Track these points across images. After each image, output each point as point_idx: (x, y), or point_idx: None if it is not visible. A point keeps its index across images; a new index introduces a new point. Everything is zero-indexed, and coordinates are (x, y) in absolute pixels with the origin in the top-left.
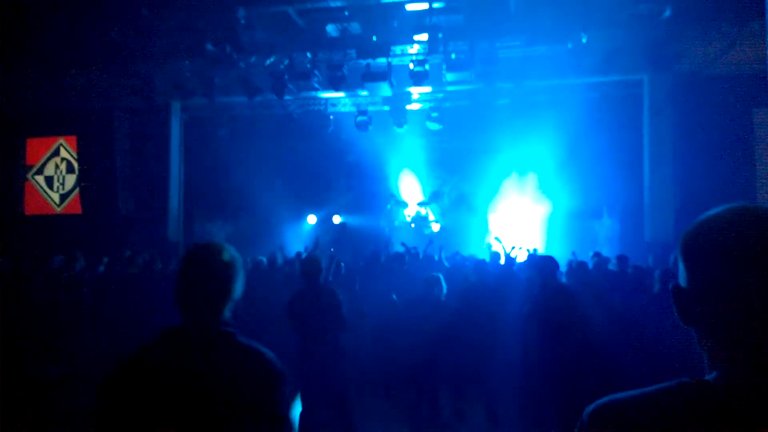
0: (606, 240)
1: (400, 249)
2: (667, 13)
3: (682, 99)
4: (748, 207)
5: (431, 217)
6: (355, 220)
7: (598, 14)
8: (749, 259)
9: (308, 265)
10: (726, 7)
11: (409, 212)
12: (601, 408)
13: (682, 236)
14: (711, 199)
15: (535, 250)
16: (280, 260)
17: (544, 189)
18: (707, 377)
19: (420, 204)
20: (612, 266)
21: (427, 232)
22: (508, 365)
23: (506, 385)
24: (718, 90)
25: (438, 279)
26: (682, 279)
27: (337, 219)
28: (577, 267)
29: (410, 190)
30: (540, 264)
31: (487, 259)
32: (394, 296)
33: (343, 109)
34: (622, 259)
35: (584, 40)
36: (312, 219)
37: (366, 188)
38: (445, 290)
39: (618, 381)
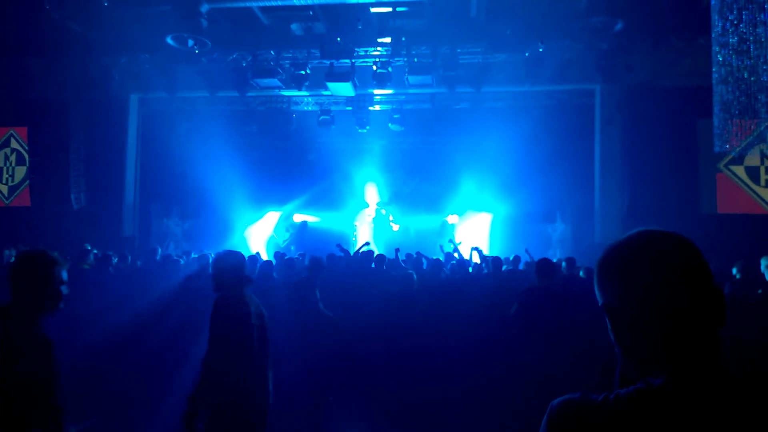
0: (558, 242)
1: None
2: (619, 26)
3: (632, 109)
4: (647, 232)
5: (391, 218)
6: (316, 219)
7: (554, 25)
8: (645, 280)
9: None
10: (675, 22)
11: (370, 212)
12: (566, 405)
13: (597, 263)
14: (657, 204)
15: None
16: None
17: (500, 192)
18: (657, 382)
19: (380, 204)
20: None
21: (387, 232)
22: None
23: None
24: (665, 101)
25: (412, 276)
26: (600, 299)
27: (297, 218)
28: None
29: (371, 190)
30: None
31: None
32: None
33: (305, 108)
34: (570, 261)
35: (541, 50)
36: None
37: (327, 187)
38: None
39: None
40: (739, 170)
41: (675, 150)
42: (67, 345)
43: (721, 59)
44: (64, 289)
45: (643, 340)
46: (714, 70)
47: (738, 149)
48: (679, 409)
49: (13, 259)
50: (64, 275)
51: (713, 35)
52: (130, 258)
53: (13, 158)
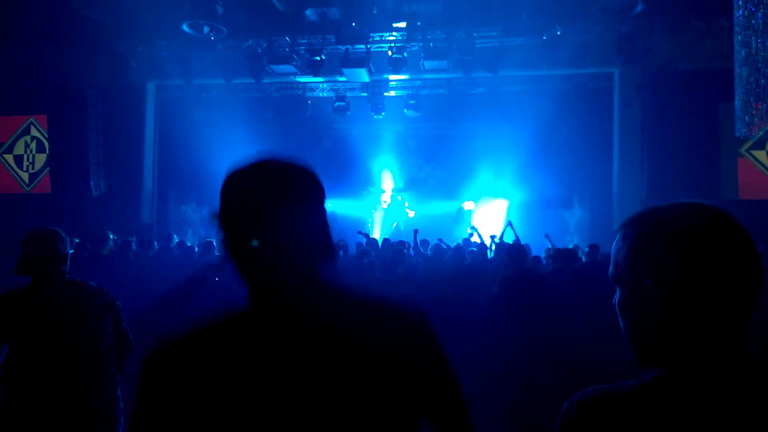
0: (576, 228)
1: (360, 238)
2: (639, 8)
3: (651, 92)
4: (692, 204)
5: (406, 204)
6: (331, 206)
7: (572, 7)
8: (690, 257)
9: None
10: (695, 3)
11: (386, 198)
12: (592, 399)
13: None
14: (677, 188)
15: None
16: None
17: (516, 178)
18: (676, 368)
19: (396, 191)
20: (582, 254)
21: (402, 218)
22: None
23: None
24: (685, 84)
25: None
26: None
27: None
28: (565, 254)
29: (387, 176)
30: (510, 250)
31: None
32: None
33: (321, 95)
34: (593, 247)
35: (558, 33)
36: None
37: (343, 174)
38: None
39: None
40: (761, 155)
41: (695, 134)
42: None
43: (741, 39)
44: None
45: (663, 322)
46: (735, 51)
47: (760, 134)
48: (696, 396)
49: None
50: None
51: (735, 16)
52: (156, 244)
53: (33, 146)
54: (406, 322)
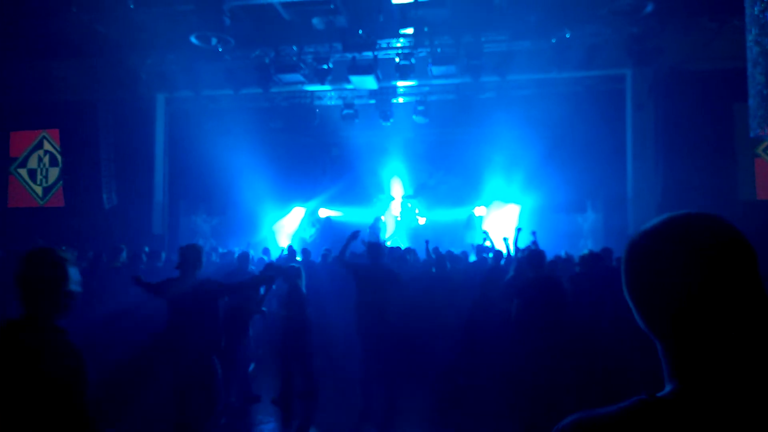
0: (590, 232)
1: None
2: (649, 8)
3: (664, 93)
4: (685, 215)
5: (417, 211)
6: (341, 214)
7: (582, 9)
8: (681, 269)
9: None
10: (707, 2)
11: (396, 206)
12: (568, 428)
13: (625, 248)
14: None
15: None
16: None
17: (528, 183)
18: (666, 390)
19: (406, 197)
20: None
21: (412, 225)
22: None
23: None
24: (699, 85)
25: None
26: (624, 289)
27: (323, 213)
28: (591, 259)
29: (396, 183)
30: (529, 256)
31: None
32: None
33: (329, 103)
34: (606, 251)
35: (568, 35)
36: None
37: (352, 182)
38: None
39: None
40: None
41: (710, 135)
42: (99, 343)
43: (754, 38)
44: (77, 288)
45: (661, 338)
46: (748, 49)
47: None
48: (679, 428)
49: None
50: (75, 274)
51: (747, 14)
52: (164, 255)
53: (46, 159)
54: None
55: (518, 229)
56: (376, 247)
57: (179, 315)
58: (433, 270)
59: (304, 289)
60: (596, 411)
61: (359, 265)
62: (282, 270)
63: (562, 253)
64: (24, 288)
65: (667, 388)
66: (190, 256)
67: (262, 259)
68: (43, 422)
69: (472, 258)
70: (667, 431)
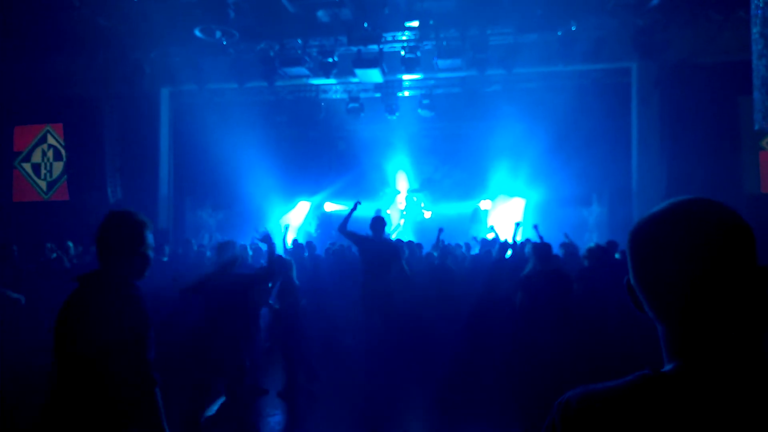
0: (595, 226)
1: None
2: (655, 1)
3: (670, 86)
4: (687, 201)
5: (422, 205)
6: (346, 208)
7: (588, 1)
8: (685, 253)
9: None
10: None
11: (401, 199)
12: (571, 400)
13: (628, 234)
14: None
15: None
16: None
17: (533, 176)
18: (666, 368)
19: (411, 191)
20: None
21: (418, 219)
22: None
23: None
24: (704, 77)
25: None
26: (630, 274)
27: (328, 207)
28: (598, 251)
29: (402, 177)
30: (536, 249)
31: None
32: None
33: (334, 96)
34: (611, 244)
35: (573, 28)
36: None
37: (358, 175)
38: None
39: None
40: None
41: (715, 128)
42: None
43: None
44: (151, 254)
45: (665, 320)
46: (753, 41)
47: None
48: (682, 400)
49: (55, 254)
50: (151, 239)
51: (752, 6)
52: (167, 249)
53: (50, 154)
54: None
55: (518, 224)
56: (379, 221)
57: (214, 311)
58: (435, 254)
59: (296, 281)
60: (600, 384)
61: (361, 236)
62: (283, 263)
63: (563, 237)
64: (102, 246)
65: (668, 366)
66: (227, 252)
67: (259, 249)
68: (104, 372)
69: (475, 251)
70: (670, 404)
